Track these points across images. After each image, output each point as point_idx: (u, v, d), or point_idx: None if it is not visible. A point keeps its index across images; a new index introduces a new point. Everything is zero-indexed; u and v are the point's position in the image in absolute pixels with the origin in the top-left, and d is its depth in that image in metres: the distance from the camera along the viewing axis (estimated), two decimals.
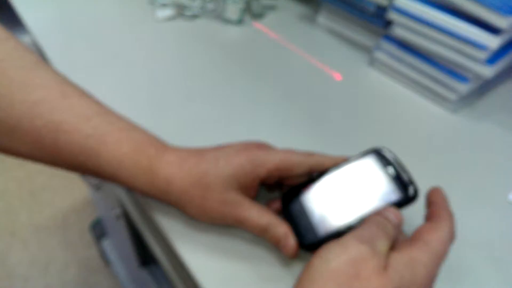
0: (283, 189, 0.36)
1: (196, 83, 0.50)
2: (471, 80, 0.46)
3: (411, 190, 0.30)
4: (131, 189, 0.34)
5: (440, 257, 0.27)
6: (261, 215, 0.32)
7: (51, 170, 1.57)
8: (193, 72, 0.52)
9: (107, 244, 1.22)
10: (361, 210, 0.31)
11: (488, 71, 0.44)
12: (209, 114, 0.46)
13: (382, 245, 0.26)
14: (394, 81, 0.53)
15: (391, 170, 0.32)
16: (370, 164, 0.33)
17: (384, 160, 0.33)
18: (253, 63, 0.54)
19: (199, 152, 0.34)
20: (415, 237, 0.28)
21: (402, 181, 0.31)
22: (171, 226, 0.35)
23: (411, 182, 0.31)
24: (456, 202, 0.38)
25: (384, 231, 0.27)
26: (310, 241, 0.31)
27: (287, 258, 0.33)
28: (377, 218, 0.28)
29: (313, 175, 0.35)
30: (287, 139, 0.43)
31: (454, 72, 0.47)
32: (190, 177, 0.32)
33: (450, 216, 0.29)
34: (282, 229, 0.32)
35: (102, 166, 0.33)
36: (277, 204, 0.36)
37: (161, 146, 0.34)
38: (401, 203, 0.30)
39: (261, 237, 0.33)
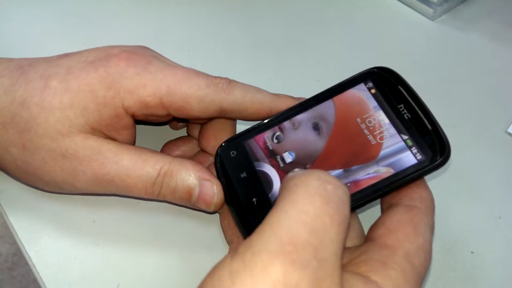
0: (204, 137, 0.23)
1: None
2: None
3: (438, 147, 0.18)
4: None
5: None
6: (142, 161, 0.20)
7: None
8: None
9: None
10: (351, 178, 0.19)
11: None
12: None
13: None
14: None
15: (403, 110, 0.20)
16: (363, 99, 0.21)
17: (390, 92, 0.20)
18: None
19: (21, 67, 0.20)
20: None
21: (422, 130, 0.19)
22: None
23: (437, 131, 0.18)
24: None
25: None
26: None
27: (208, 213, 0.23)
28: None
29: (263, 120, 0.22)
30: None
31: None
32: None
33: None
34: (188, 167, 0.20)
35: None
36: (184, 148, 0.24)
37: None
38: (421, 171, 0.18)
39: (156, 199, 0.21)
